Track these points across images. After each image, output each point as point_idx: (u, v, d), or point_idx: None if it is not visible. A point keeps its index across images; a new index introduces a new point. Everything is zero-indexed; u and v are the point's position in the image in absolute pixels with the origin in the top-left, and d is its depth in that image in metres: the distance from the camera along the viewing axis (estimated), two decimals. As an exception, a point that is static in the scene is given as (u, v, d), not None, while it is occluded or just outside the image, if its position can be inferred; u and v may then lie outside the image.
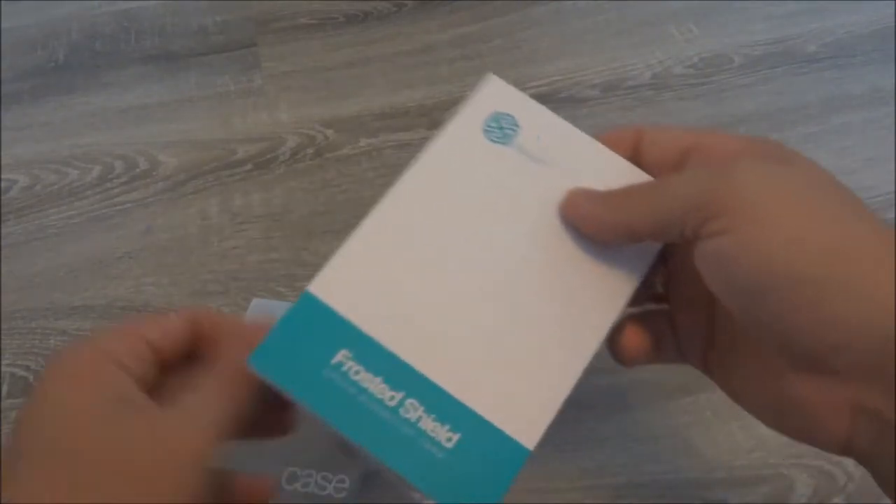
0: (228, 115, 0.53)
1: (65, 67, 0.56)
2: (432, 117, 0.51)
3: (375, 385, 0.24)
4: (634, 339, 0.28)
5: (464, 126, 0.28)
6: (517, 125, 0.28)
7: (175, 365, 0.25)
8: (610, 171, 0.28)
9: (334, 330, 0.24)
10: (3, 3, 0.59)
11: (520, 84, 0.56)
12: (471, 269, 0.26)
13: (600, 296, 0.27)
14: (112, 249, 0.47)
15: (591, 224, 0.26)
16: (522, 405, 0.24)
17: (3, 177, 0.50)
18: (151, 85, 0.55)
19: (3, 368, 0.42)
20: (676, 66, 0.55)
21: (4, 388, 0.42)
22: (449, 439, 0.23)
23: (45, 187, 0.50)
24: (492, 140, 0.28)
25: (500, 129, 0.28)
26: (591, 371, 0.42)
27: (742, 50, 0.56)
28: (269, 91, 0.54)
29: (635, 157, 0.29)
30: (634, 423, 0.40)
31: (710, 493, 0.37)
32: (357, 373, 0.24)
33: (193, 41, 0.57)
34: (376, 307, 0.25)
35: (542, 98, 0.54)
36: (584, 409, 0.40)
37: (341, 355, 0.24)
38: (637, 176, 0.28)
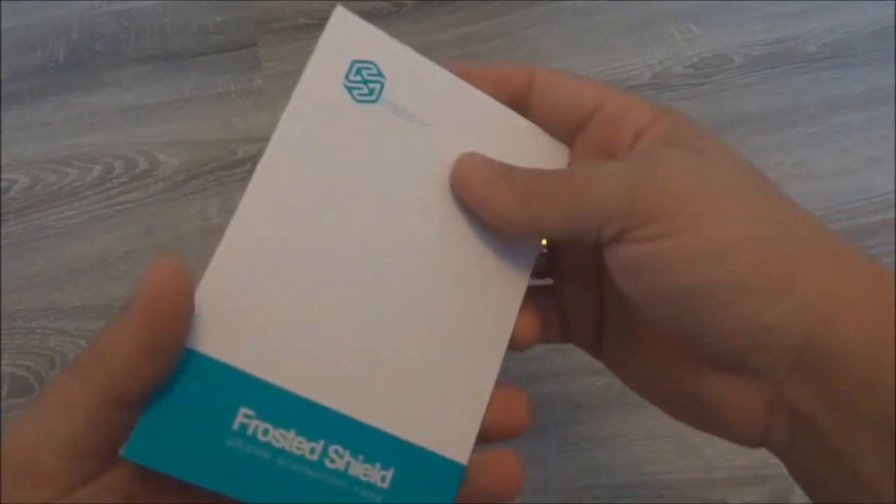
0: (228, 115, 0.53)
1: (65, 67, 0.56)
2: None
3: (290, 441, 0.20)
4: (523, 319, 0.25)
5: (321, 84, 0.23)
6: (382, 75, 0.23)
7: None
8: (501, 130, 0.24)
9: (226, 386, 0.20)
10: (3, 3, 0.59)
11: (520, 84, 0.56)
12: (361, 274, 0.22)
13: (501, 284, 0.24)
14: (112, 249, 0.47)
15: (489, 212, 0.23)
16: (447, 420, 0.22)
17: (3, 177, 0.50)
18: (151, 85, 0.55)
19: (3, 368, 0.42)
20: (676, 66, 0.55)
21: (4, 388, 0.42)
22: (383, 478, 0.21)
23: (45, 187, 0.50)
24: (357, 99, 0.23)
25: (364, 82, 0.23)
26: (590, 371, 0.42)
27: (742, 50, 0.56)
28: (269, 91, 0.54)
29: (520, 102, 0.25)
30: (634, 423, 0.40)
31: (710, 493, 0.37)
32: (266, 432, 0.20)
33: (193, 41, 0.57)
34: (267, 344, 0.21)
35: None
36: (583, 410, 0.40)
37: (242, 416, 0.20)
38: (535, 137, 0.25)
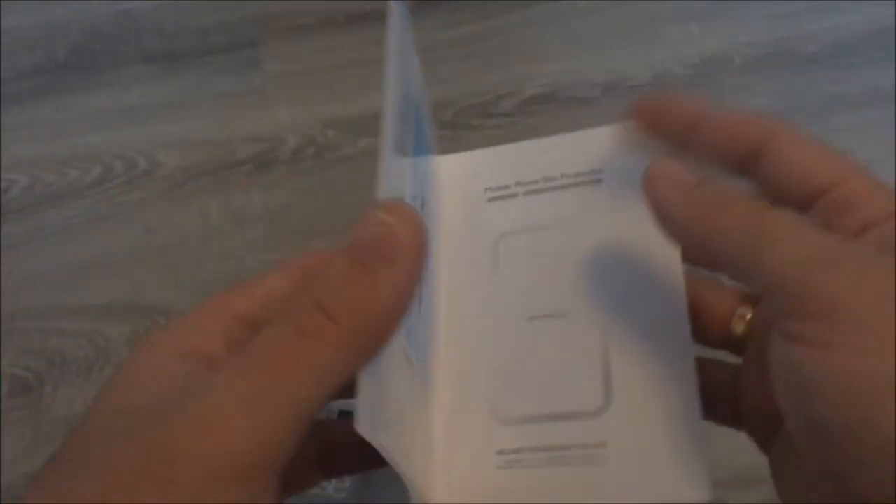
0: (228, 115, 0.53)
1: (65, 67, 0.56)
2: (433, 117, 0.51)
3: None
4: None
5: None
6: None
7: None
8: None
9: None
10: (3, 3, 0.59)
11: (520, 84, 0.56)
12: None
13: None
14: (112, 249, 0.47)
15: (659, 213, 0.20)
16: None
17: (3, 177, 0.50)
18: (151, 85, 0.55)
19: (3, 368, 0.42)
20: (676, 66, 0.55)
21: (4, 388, 0.41)
22: None
23: (45, 187, 0.50)
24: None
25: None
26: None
27: (742, 50, 0.56)
28: (269, 91, 0.54)
29: (749, 157, 0.22)
30: (634, 423, 0.40)
31: (710, 493, 0.37)
32: None
33: (193, 41, 0.57)
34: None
35: (543, 98, 0.54)
36: (584, 409, 0.40)
37: None
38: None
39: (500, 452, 0.22)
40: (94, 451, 0.17)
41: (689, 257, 0.22)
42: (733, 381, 0.22)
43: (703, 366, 0.22)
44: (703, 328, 0.22)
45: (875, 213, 0.19)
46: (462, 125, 0.51)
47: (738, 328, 0.21)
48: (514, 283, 0.24)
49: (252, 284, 0.21)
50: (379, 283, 0.16)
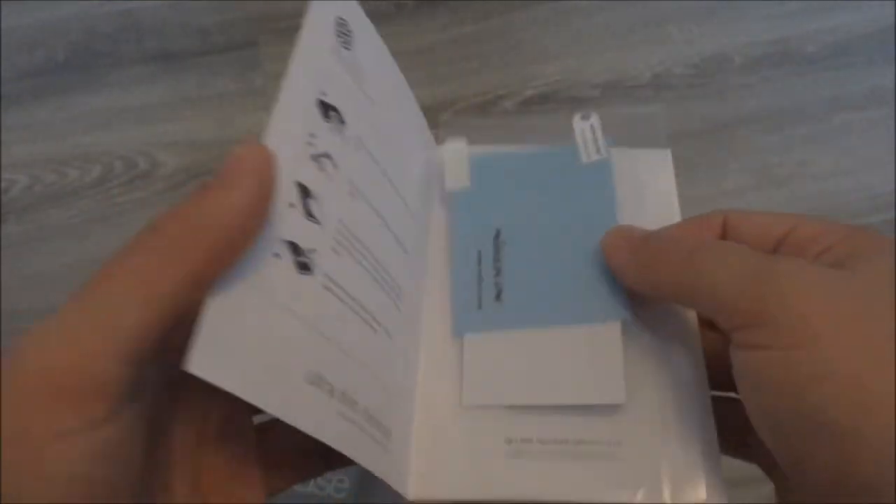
0: (228, 115, 0.53)
1: (65, 67, 0.56)
2: (432, 117, 0.51)
3: None
4: None
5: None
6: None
7: None
8: None
9: None
10: (3, 3, 0.59)
11: (520, 84, 0.56)
12: None
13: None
14: (112, 249, 0.46)
15: (620, 274, 0.23)
16: None
17: (3, 177, 0.50)
18: (151, 85, 0.55)
19: (3, 368, 0.42)
20: (676, 66, 0.55)
21: (4, 388, 0.42)
22: None
23: (45, 187, 0.50)
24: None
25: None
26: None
27: (742, 50, 0.56)
28: (269, 91, 0.54)
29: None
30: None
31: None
32: None
33: (193, 41, 0.57)
34: None
35: (543, 98, 0.54)
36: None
37: None
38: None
39: (509, 441, 0.22)
40: None
41: (653, 299, 0.23)
42: (744, 416, 0.23)
43: (714, 402, 0.23)
44: (708, 368, 0.24)
45: (829, 240, 0.21)
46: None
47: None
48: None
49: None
50: (208, 200, 0.16)
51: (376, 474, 0.20)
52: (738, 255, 0.20)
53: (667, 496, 0.21)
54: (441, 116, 0.28)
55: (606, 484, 0.21)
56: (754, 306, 0.19)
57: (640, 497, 0.21)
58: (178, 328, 0.16)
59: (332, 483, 0.34)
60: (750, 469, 0.40)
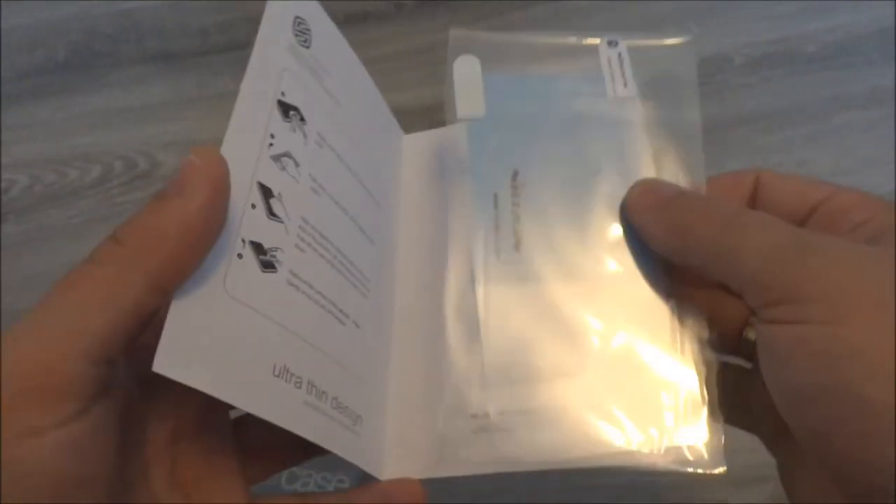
0: (228, 115, 0.53)
1: (65, 67, 0.56)
2: (432, 117, 0.51)
3: None
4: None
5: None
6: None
7: None
8: None
9: None
10: (3, 3, 0.59)
11: (520, 84, 0.56)
12: None
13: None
14: (112, 249, 0.47)
15: (642, 233, 0.23)
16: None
17: (3, 177, 0.50)
18: (151, 85, 0.55)
19: (3, 368, 0.42)
20: (676, 66, 0.55)
21: (4, 388, 0.41)
22: None
23: (45, 187, 0.50)
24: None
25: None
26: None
27: (742, 50, 0.56)
28: (269, 91, 0.54)
29: (752, 204, 0.24)
30: (634, 423, 0.40)
31: (709, 493, 0.37)
32: None
33: (193, 41, 0.57)
34: None
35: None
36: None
37: None
38: None
39: (475, 416, 0.22)
40: None
41: (676, 262, 0.23)
42: (748, 385, 0.23)
43: (720, 370, 0.23)
44: (721, 335, 0.23)
45: (864, 214, 0.21)
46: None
47: (751, 335, 0.23)
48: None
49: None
50: (165, 208, 0.18)
51: (348, 459, 0.20)
52: (774, 231, 0.20)
53: (670, 461, 0.22)
54: (451, 31, 0.26)
55: (594, 441, 0.22)
56: (789, 283, 0.18)
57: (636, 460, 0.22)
58: (150, 328, 0.17)
59: (331, 483, 0.34)
60: (751, 469, 0.40)
